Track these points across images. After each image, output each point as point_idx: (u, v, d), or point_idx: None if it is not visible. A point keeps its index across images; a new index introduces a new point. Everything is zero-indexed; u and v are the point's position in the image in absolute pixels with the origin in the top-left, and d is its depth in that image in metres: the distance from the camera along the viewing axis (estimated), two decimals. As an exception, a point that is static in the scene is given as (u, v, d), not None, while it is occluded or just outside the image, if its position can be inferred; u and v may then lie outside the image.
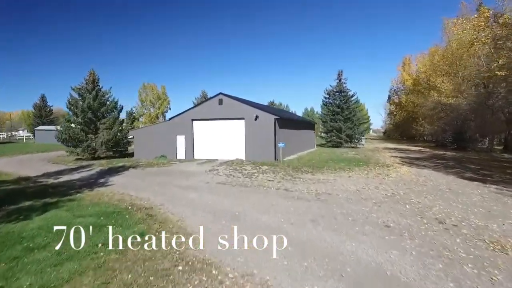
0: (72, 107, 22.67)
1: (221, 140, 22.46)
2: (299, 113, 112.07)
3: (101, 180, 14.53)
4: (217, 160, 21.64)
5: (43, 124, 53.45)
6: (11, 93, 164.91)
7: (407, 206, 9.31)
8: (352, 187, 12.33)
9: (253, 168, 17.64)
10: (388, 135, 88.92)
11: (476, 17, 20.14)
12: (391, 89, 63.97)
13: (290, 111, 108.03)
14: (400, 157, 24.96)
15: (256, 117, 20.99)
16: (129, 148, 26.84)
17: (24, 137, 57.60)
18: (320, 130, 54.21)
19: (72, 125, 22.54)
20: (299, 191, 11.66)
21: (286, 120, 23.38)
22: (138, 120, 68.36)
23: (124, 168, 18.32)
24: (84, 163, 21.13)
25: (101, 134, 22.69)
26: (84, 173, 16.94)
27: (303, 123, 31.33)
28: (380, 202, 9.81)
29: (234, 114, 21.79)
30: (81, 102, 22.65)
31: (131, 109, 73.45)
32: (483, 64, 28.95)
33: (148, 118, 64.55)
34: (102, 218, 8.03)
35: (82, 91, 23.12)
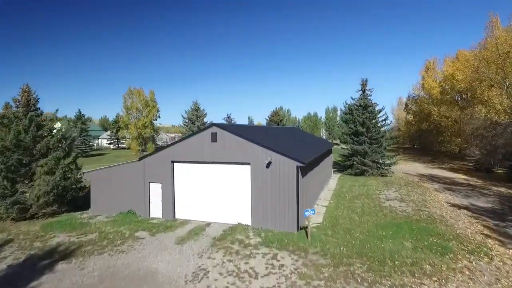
0: (-10, 144, 15.09)
1: (215, 193, 15.07)
2: (301, 117, 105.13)
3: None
4: (209, 225, 14.35)
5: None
6: (9, 93, 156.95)
7: None
8: None
9: (267, 262, 10.42)
10: (397, 142, 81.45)
11: None
12: (409, 97, 56.53)
13: (293, 117, 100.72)
14: (465, 207, 17.84)
15: (269, 163, 13.69)
16: (86, 189, 19.25)
17: None
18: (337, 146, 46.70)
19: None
20: None
21: (310, 163, 15.96)
22: (125, 130, 60.59)
23: (50, 263, 10.92)
24: (1, 235, 13.65)
25: (37, 182, 15.25)
26: (-31, 284, 9.56)
27: (325, 153, 23.95)
28: None
29: (235, 156, 14.43)
30: (7, 135, 15.05)
31: (116, 116, 65.80)
32: None
33: (134, 128, 56.59)
34: None
35: (7, 119, 15.51)
